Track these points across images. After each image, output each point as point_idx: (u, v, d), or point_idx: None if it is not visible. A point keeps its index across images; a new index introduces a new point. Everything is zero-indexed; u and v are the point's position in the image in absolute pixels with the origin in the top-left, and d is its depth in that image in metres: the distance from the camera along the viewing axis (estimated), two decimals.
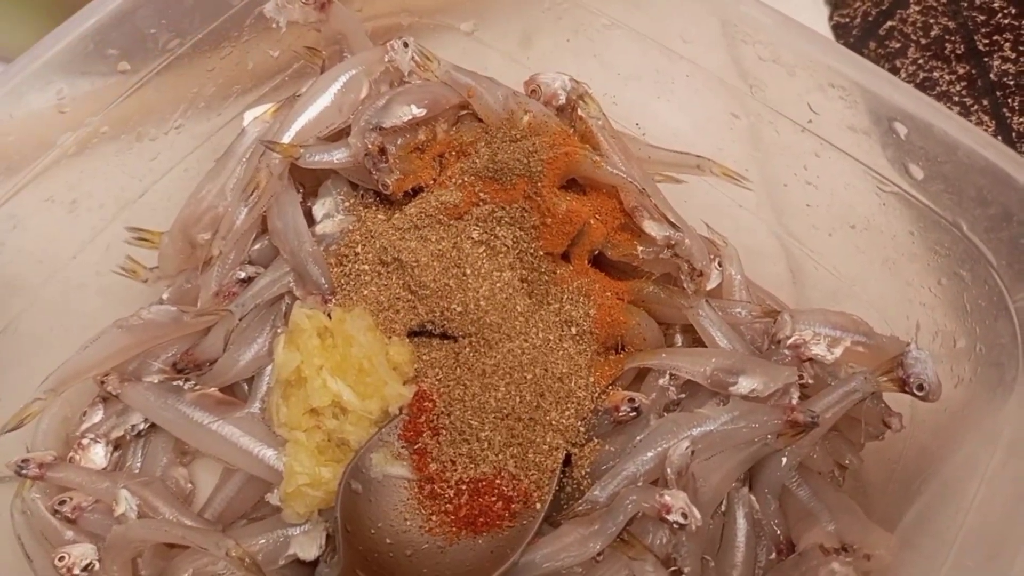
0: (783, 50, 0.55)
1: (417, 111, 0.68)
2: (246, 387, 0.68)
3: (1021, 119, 0.85)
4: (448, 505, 0.60)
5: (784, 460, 0.63)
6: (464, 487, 0.60)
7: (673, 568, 0.58)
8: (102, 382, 0.66)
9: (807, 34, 0.54)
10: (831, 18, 0.91)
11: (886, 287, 0.63)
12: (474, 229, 0.66)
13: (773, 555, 0.64)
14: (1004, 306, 0.53)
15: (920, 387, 0.60)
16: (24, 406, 0.64)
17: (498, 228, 0.66)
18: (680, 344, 0.71)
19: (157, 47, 0.60)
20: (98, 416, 0.68)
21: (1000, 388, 0.53)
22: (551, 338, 0.65)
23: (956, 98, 0.87)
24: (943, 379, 0.59)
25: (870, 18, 0.90)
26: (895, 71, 0.88)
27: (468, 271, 0.65)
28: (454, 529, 0.60)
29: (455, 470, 0.61)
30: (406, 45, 0.71)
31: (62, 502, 0.64)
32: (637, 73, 0.65)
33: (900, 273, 0.61)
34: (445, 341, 0.65)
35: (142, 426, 0.68)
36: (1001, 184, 0.51)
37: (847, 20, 0.91)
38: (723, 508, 0.63)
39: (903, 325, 0.63)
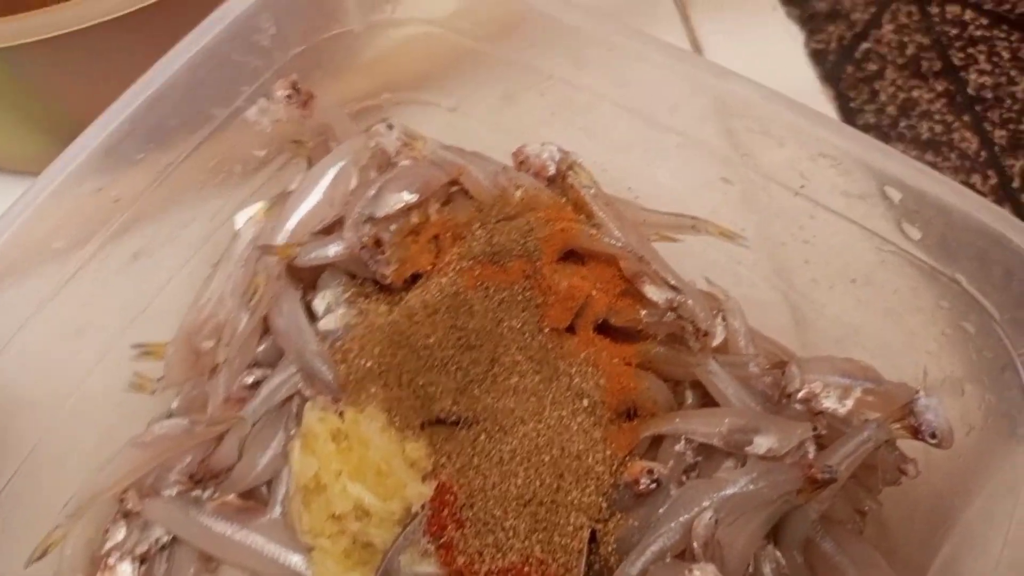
0: (771, 123, 0.56)
1: (409, 197, 0.68)
2: (265, 489, 0.69)
3: (1002, 132, 0.86)
4: None
5: (806, 514, 0.64)
6: None
7: None
8: (121, 499, 0.67)
9: (795, 107, 0.55)
10: (807, 44, 0.92)
11: (891, 336, 0.63)
12: (477, 313, 0.66)
13: None
14: (1010, 359, 0.54)
15: (933, 434, 0.61)
16: (47, 534, 0.64)
17: (501, 311, 0.66)
18: (690, 401, 0.72)
19: (147, 171, 0.60)
20: (121, 534, 0.68)
21: (1013, 440, 0.54)
22: (564, 414, 0.65)
23: (937, 116, 0.87)
24: (954, 426, 0.60)
25: (845, 42, 0.91)
26: (875, 94, 0.89)
27: (476, 357, 0.65)
28: None
29: (483, 561, 0.61)
30: (390, 127, 0.71)
31: None
32: (626, 144, 0.66)
33: (904, 324, 0.61)
34: (459, 428, 0.66)
35: (165, 538, 0.68)
36: (998, 246, 0.51)
37: (823, 46, 0.91)
38: (750, 570, 0.64)
39: (911, 371, 0.63)
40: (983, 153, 0.86)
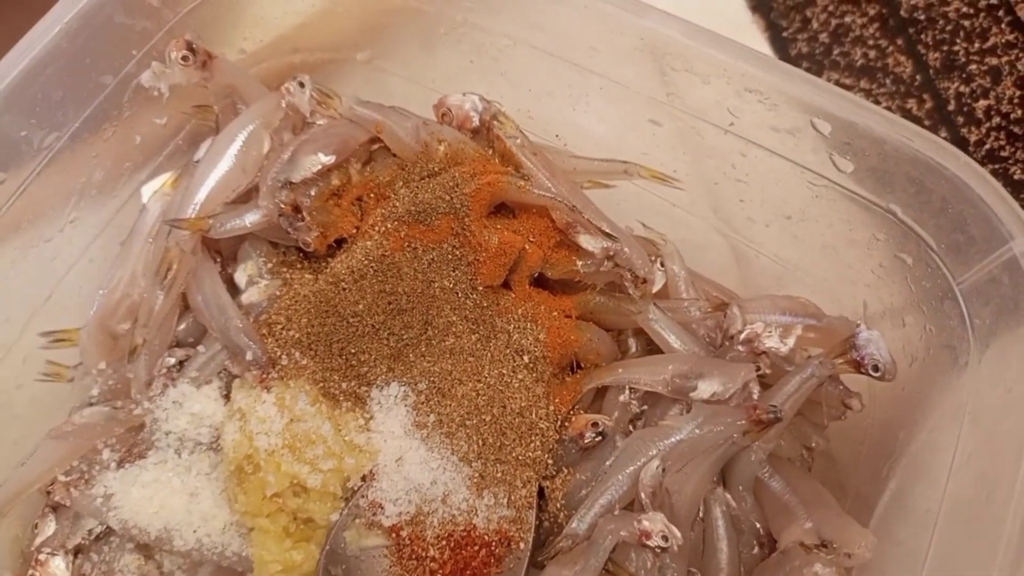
0: (695, 60, 0.53)
1: (326, 159, 0.64)
2: None
3: (936, 54, 0.84)
4: (432, 564, 0.59)
5: (753, 455, 0.63)
6: (444, 542, 0.59)
7: None
8: (48, 493, 0.63)
9: (718, 41, 0.52)
10: None
11: (828, 271, 0.62)
12: (406, 276, 0.63)
13: (756, 549, 0.64)
14: (949, 288, 0.53)
15: (875, 367, 0.60)
16: None
17: (431, 271, 0.63)
18: (634, 349, 0.70)
19: (32, 148, 0.55)
20: (51, 528, 0.65)
21: (955, 370, 0.53)
22: (504, 372, 0.63)
23: (871, 41, 0.85)
24: (896, 357, 0.59)
25: None
26: (807, 21, 0.86)
27: (409, 320, 0.62)
28: None
29: (432, 527, 0.59)
30: (302, 85, 0.67)
31: None
32: (548, 88, 0.63)
33: (841, 258, 0.60)
34: None
35: (99, 529, 0.65)
36: (932, 173, 0.50)
37: None
38: (700, 514, 0.64)
39: (850, 304, 0.63)
40: (918, 77, 0.84)
